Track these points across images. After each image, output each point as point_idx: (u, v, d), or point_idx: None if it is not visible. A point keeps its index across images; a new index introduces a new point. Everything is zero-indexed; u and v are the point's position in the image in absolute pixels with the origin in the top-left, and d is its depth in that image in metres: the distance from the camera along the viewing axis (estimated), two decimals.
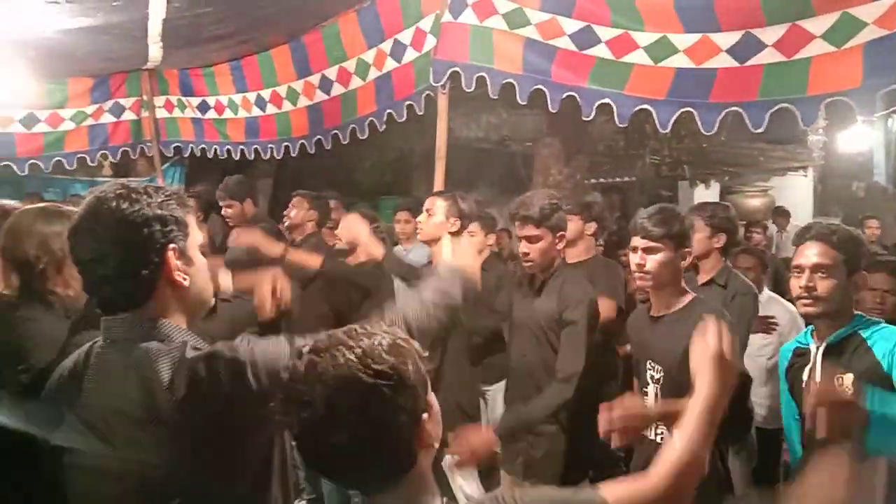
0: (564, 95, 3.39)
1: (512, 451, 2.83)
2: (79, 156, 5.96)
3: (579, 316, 2.68)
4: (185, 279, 1.35)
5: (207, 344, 1.36)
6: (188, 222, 1.39)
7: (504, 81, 3.58)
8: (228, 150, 5.84)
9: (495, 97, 3.68)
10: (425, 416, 1.09)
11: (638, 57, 3.21)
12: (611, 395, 3.18)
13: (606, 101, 3.29)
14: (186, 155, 6.40)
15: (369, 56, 4.54)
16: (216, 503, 1.29)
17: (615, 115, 3.29)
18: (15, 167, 5.64)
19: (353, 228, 3.27)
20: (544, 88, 3.45)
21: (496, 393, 3.68)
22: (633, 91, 3.22)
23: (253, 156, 5.70)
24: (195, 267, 1.40)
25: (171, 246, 1.33)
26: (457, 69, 3.73)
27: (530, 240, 2.77)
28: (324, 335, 1.11)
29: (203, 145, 6.07)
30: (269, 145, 5.53)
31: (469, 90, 3.76)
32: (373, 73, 4.56)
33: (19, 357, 2.00)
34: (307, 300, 3.65)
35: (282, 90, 5.25)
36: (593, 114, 3.38)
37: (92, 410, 1.30)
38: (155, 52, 5.12)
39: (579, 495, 1.15)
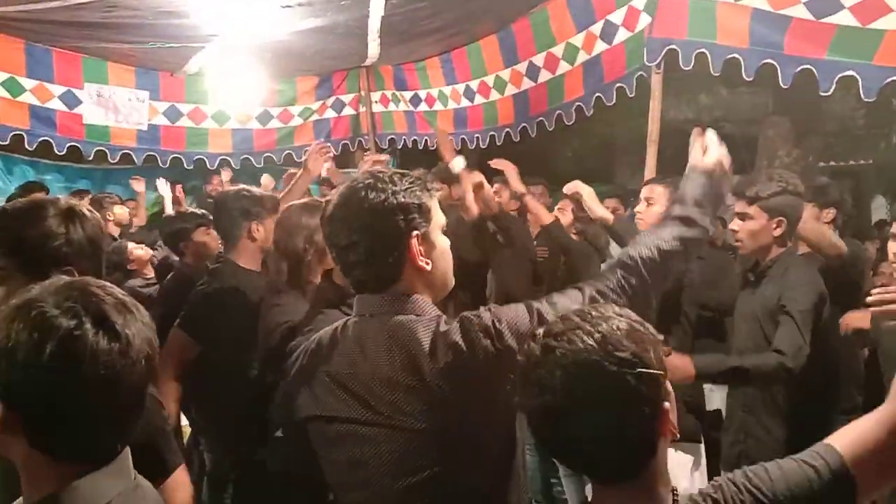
0: (799, 69, 3.09)
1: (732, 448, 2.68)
2: (306, 149, 6.46)
3: (800, 303, 2.42)
4: (427, 264, 1.41)
5: None
6: (431, 206, 1.44)
7: (728, 57, 3.33)
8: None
9: (717, 74, 3.43)
10: (666, 405, 1.03)
11: (891, 22, 2.83)
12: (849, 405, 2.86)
13: (850, 73, 2.94)
14: (399, 147, 6.71)
15: (578, 40, 4.45)
16: (466, 476, 1.32)
17: (860, 88, 2.93)
18: (253, 160, 6.27)
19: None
20: (774, 62, 3.16)
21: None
22: (884, 61, 2.85)
23: (460, 146, 5.84)
24: (437, 250, 1.45)
25: (415, 233, 1.39)
26: (673, 47, 3.54)
27: (741, 217, 2.62)
28: (556, 318, 1.08)
29: (414, 137, 6.35)
30: (476, 135, 5.64)
31: (687, 68, 3.55)
32: (581, 57, 4.47)
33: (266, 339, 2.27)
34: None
35: (489, 80, 5.32)
36: (833, 88, 3.04)
37: (354, 379, 1.39)
38: (373, 49, 5.44)
39: (816, 460, 1.05)
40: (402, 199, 1.38)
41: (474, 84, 5.49)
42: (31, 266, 1.48)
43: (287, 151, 6.38)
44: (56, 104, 5.19)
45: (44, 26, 4.63)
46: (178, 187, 6.31)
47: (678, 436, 1.06)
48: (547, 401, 1.01)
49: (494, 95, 5.35)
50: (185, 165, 5.99)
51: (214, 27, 4.62)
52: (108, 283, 1.12)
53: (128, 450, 1.12)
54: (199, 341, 2.73)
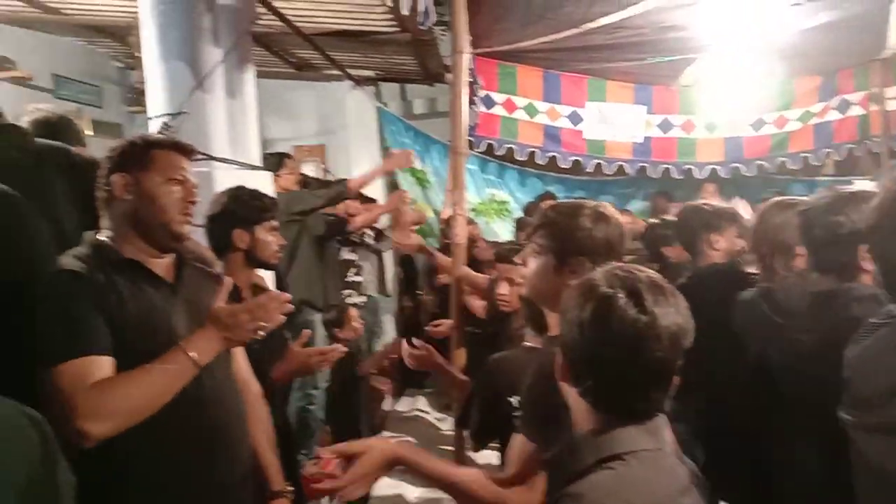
0: None
1: None
2: (802, 155, 6.02)
3: None
4: None
5: None
6: None
7: None
8: None
9: None
10: None
11: None
12: None
13: None
14: None
15: None
16: None
17: None
18: (743, 168, 6.05)
19: None
20: None
21: None
22: None
23: None
24: None
25: None
26: None
27: None
28: None
29: None
30: None
31: None
32: None
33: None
34: None
35: None
36: None
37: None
38: (894, 39, 4.75)
39: None
40: None
41: None
42: (559, 249, 1.74)
43: (780, 159, 6.00)
44: (563, 123, 5.81)
45: (556, 54, 5.23)
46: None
47: None
48: None
49: None
50: (673, 175, 6.10)
51: (711, 36, 4.61)
52: (651, 272, 1.26)
53: (662, 419, 1.25)
54: None
